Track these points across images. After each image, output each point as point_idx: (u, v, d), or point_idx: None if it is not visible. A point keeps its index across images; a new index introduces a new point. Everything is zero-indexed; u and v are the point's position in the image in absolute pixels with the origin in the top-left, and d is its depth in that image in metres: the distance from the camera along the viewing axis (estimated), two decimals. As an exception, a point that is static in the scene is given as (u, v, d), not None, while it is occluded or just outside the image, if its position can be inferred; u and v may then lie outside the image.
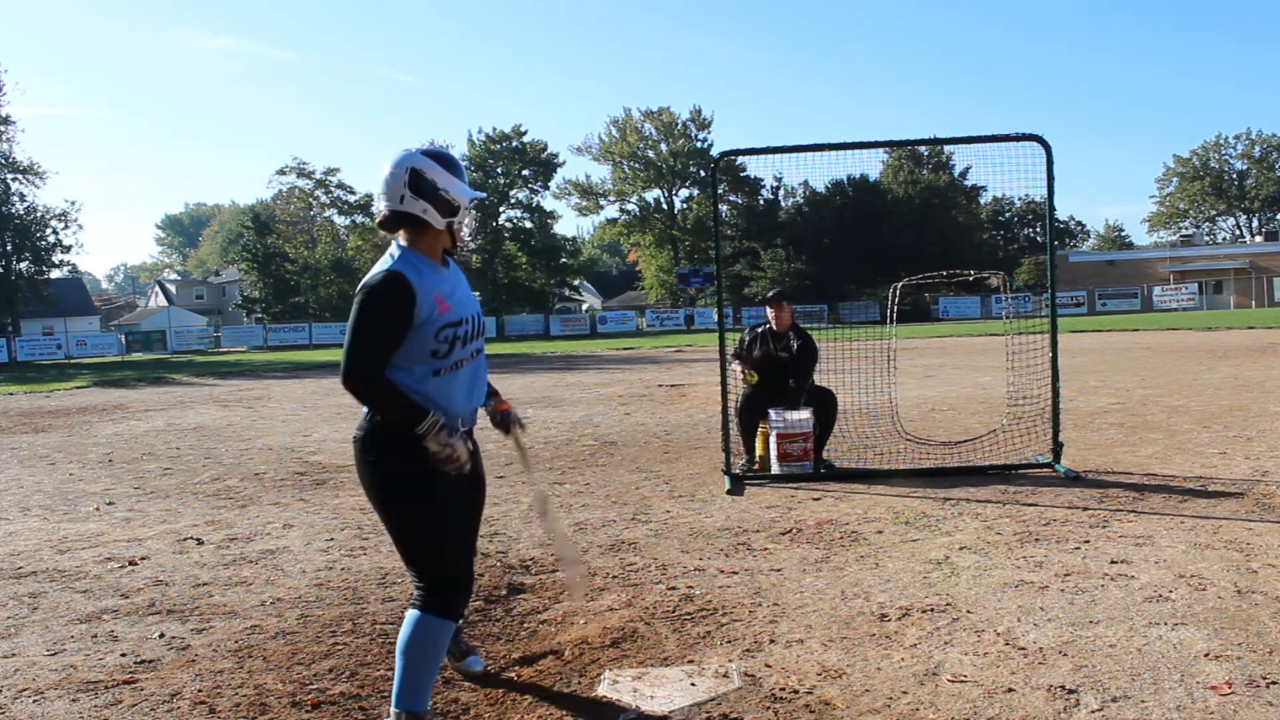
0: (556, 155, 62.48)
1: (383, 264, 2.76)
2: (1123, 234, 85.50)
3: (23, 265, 45.77)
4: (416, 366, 2.76)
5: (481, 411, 3.08)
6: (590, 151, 64.25)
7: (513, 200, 62.39)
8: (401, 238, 2.84)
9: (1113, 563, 4.38)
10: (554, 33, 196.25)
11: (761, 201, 60.19)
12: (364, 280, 2.75)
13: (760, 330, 7.25)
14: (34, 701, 3.28)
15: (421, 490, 2.77)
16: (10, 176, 44.70)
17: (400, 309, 2.68)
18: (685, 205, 63.20)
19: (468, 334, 2.84)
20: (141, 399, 17.43)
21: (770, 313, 7.20)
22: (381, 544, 5.33)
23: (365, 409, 2.82)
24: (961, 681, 3.13)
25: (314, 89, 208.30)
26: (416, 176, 2.78)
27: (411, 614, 2.81)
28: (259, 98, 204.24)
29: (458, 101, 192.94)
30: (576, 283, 68.39)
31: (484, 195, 2.69)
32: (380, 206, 2.86)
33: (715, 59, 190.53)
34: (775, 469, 6.81)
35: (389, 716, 2.85)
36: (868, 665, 3.32)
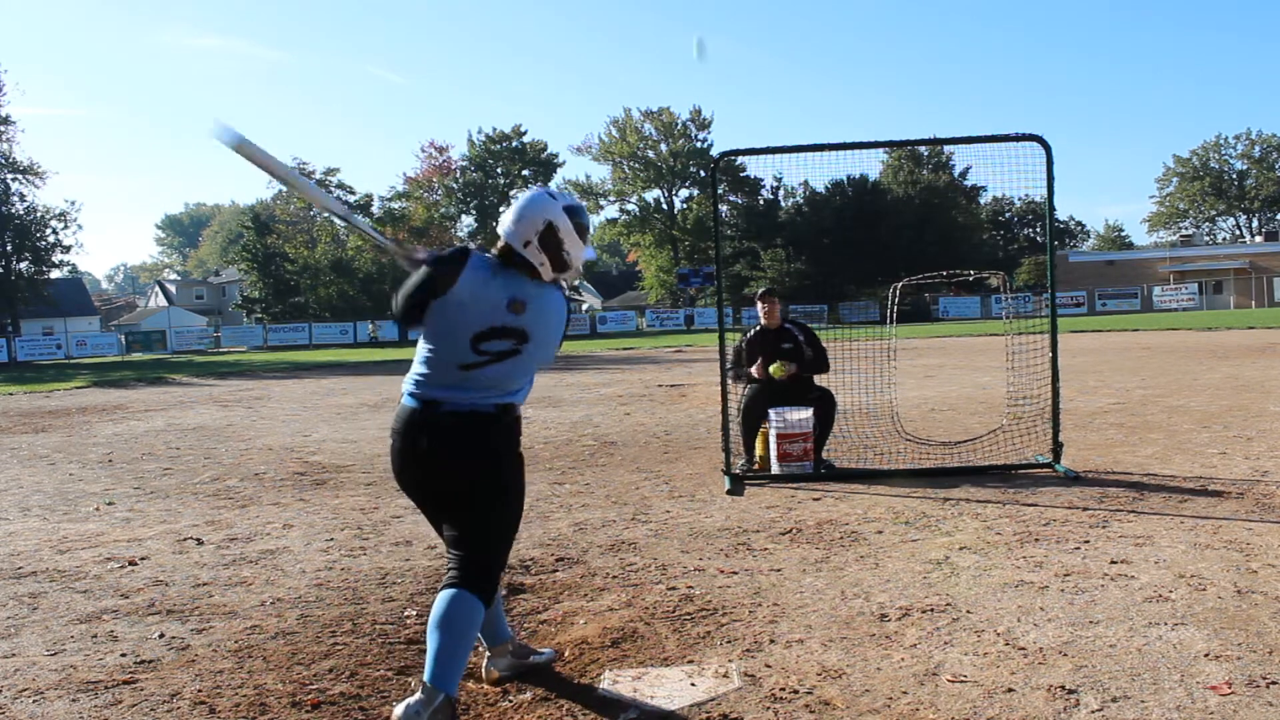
0: (556, 155, 62.59)
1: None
2: (1123, 234, 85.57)
3: (23, 265, 45.72)
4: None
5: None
6: (590, 151, 64.33)
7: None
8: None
9: (1113, 563, 4.38)
10: (554, 33, 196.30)
11: (761, 201, 60.17)
12: None
13: (754, 332, 7.21)
14: (34, 701, 3.28)
15: (523, 478, 3.05)
16: (10, 176, 44.65)
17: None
18: (685, 205, 63.21)
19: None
20: (141, 399, 17.43)
21: (761, 307, 7.17)
22: (381, 544, 5.34)
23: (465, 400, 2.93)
24: (961, 681, 3.13)
25: (313, 90, 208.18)
26: (550, 231, 2.83)
27: (452, 591, 2.75)
28: (259, 98, 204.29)
29: (457, 102, 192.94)
30: (576, 283, 68.33)
31: (596, 258, 2.85)
32: (502, 235, 2.89)
33: (715, 59, 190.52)
34: (775, 469, 6.81)
35: (418, 692, 2.73)
36: (868, 665, 3.32)
